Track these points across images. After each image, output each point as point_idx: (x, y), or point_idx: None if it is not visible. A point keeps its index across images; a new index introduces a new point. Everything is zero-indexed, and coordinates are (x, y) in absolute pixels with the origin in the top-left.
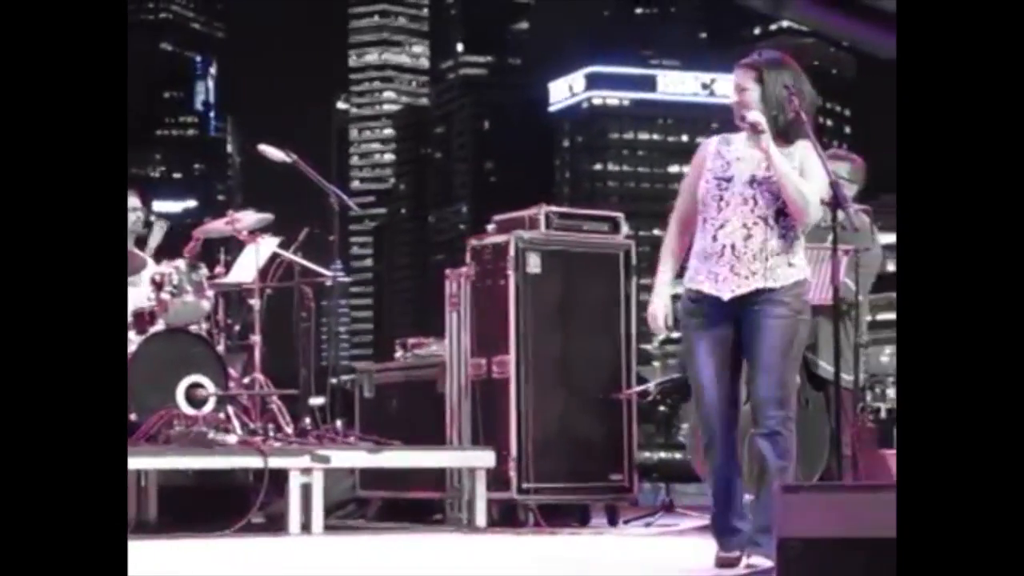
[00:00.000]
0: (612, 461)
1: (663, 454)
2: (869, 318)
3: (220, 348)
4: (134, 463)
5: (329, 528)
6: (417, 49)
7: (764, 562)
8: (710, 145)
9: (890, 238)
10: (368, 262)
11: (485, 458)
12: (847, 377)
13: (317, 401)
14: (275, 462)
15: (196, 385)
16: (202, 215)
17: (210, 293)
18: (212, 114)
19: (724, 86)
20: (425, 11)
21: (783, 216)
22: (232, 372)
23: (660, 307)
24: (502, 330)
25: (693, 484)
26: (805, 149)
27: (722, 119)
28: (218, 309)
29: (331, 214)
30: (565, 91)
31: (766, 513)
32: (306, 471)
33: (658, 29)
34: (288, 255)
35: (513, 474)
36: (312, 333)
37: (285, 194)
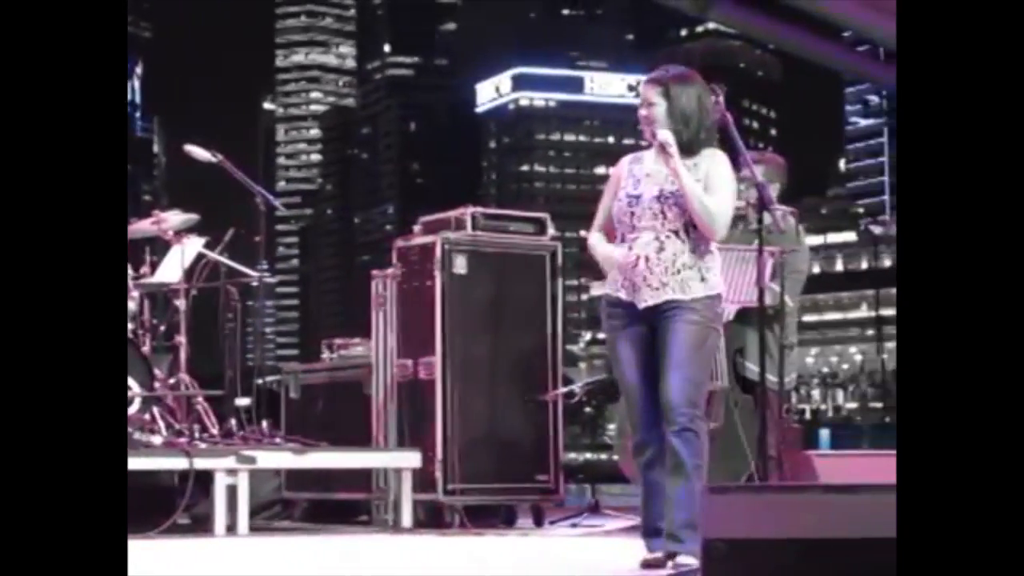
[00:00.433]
0: (538, 462)
1: (589, 455)
2: (798, 319)
3: (145, 349)
4: None
5: (255, 529)
6: (344, 49)
7: (691, 562)
8: (623, 165)
9: (817, 240)
10: (294, 262)
11: (411, 459)
12: (773, 379)
13: (243, 402)
14: (201, 463)
15: None
16: (128, 215)
17: (135, 293)
18: (138, 114)
19: None
20: (352, 11)
21: (694, 228)
22: (157, 373)
23: (611, 249)
24: (428, 331)
25: (619, 485)
26: (711, 159)
27: None
28: (143, 309)
29: (257, 214)
30: (492, 92)
31: (683, 508)
32: (232, 472)
33: (585, 30)
34: (214, 255)
35: (439, 475)
36: (238, 334)
37: (211, 194)
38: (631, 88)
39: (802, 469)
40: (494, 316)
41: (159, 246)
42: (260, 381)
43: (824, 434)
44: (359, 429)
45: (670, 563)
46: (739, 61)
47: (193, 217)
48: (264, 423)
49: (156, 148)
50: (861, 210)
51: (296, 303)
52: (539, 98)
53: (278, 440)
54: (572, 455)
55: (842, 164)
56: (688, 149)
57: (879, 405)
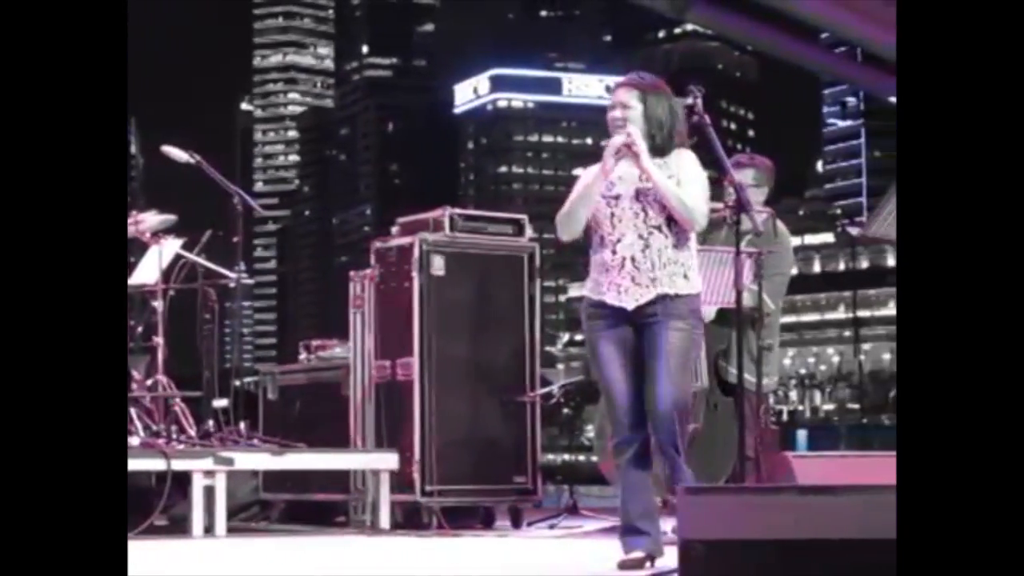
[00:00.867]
0: (516, 463)
1: (567, 456)
2: (781, 320)
3: None
4: None
5: (232, 530)
6: (322, 51)
7: (668, 564)
8: (588, 173)
9: (795, 241)
10: (272, 264)
11: (389, 460)
12: (754, 380)
13: (220, 403)
14: (178, 464)
15: None
16: None
17: None
18: None
19: None
20: (330, 12)
21: (674, 223)
22: (135, 374)
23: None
24: (406, 332)
25: (597, 486)
26: (678, 156)
27: None
28: None
29: (235, 216)
30: (470, 93)
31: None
32: (209, 473)
33: (562, 32)
34: (191, 256)
35: (417, 476)
36: (215, 335)
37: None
38: (609, 89)
39: (779, 470)
40: (472, 317)
41: (136, 247)
42: (238, 382)
43: (801, 435)
44: (337, 430)
45: (648, 564)
46: (717, 62)
47: (170, 218)
48: (242, 424)
49: (133, 149)
50: (839, 211)
51: (274, 304)
52: (517, 99)
53: (256, 441)
54: (550, 456)
55: (819, 165)
56: (659, 151)
57: (856, 406)
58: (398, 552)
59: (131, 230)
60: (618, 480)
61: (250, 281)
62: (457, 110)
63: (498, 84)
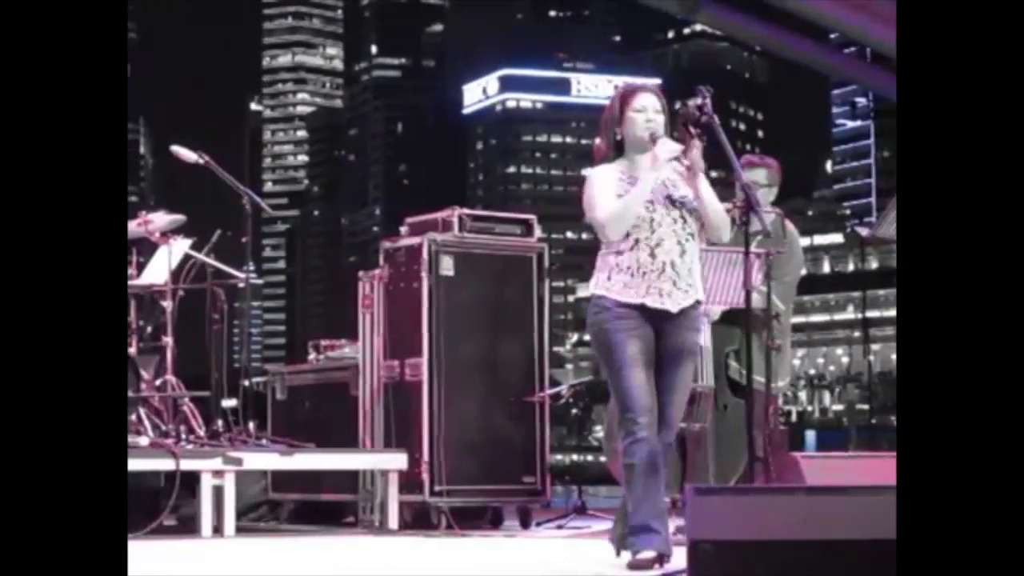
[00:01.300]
0: (525, 463)
1: (575, 456)
2: (793, 320)
3: (132, 350)
4: None
5: (241, 530)
6: (331, 51)
7: (677, 565)
8: (609, 172)
9: (803, 242)
10: (281, 264)
11: (397, 460)
12: (761, 379)
13: (229, 403)
14: (187, 464)
15: None
16: None
17: None
18: None
19: None
20: (339, 13)
21: (702, 232)
22: (144, 374)
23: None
24: (415, 332)
25: (605, 486)
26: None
27: None
28: (130, 311)
29: (244, 216)
30: (479, 93)
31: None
32: (218, 473)
33: (572, 32)
34: (201, 257)
35: (425, 476)
36: (224, 335)
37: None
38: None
39: (788, 471)
40: (481, 317)
41: (145, 247)
42: (247, 382)
43: (810, 436)
44: (345, 430)
45: (658, 564)
46: (726, 63)
47: (179, 218)
48: (251, 424)
49: (142, 149)
50: (848, 212)
51: (283, 304)
52: (526, 100)
53: (264, 441)
54: (559, 456)
55: (829, 166)
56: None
57: (865, 407)
58: (407, 552)
59: (140, 230)
60: (626, 480)
61: (259, 281)
62: (466, 110)
63: (507, 84)
